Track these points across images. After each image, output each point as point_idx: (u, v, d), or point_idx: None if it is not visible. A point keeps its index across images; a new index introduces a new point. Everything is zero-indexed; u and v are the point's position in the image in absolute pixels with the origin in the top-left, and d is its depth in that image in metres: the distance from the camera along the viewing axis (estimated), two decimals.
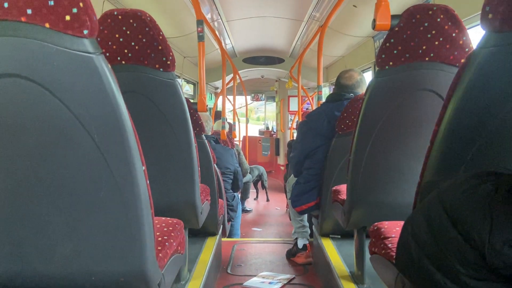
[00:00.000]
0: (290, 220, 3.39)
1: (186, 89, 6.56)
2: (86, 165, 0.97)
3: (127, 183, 0.99)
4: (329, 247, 2.61)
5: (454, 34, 1.49)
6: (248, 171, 5.70)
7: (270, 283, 2.63)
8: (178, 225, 1.51)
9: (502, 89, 0.89)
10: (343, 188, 2.11)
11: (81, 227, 1.02)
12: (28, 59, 0.89)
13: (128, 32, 1.58)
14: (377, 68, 1.61)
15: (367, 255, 1.55)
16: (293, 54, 6.78)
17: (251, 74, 8.16)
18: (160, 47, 1.61)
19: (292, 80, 6.44)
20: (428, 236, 0.74)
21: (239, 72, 6.68)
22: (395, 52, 1.54)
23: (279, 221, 5.59)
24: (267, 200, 6.90)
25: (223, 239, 3.33)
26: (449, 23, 1.48)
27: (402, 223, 0.89)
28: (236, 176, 3.67)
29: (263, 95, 11.05)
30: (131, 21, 1.57)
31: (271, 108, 11.37)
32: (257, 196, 7.09)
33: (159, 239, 1.32)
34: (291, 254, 3.13)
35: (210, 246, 2.73)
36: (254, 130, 11.45)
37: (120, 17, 1.57)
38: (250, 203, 6.66)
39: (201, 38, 2.54)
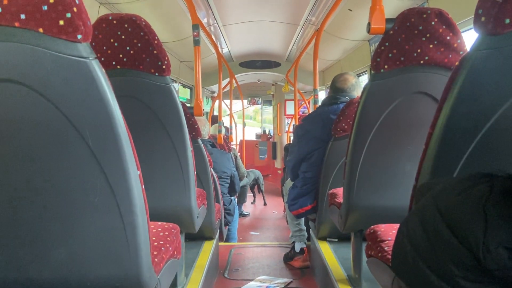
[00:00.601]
0: (287, 223, 3.39)
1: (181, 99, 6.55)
2: (80, 170, 0.97)
3: (121, 188, 0.99)
4: (326, 250, 2.61)
5: (448, 37, 1.50)
6: (245, 175, 5.70)
7: (267, 287, 2.63)
8: (174, 230, 1.50)
9: (496, 92, 0.90)
10: (339, 191, 2.11)
11: (75, 232, 1.02)
12: (22, 64, 0.89)
13: (123, 37, 1.58)
14: (372, 72, 1.62)
15: (364, 258, 1.54)
16: (289, 58, 6.79)
17: (247, 78, 8.17)
18: (155, 52, 1.61)
19: (289, 84, 6.45)
20: (423, 238, 0.74)
21: (236, 76, 6.68)
22: (390, 55, 1.55)
23: (276, 225, 5.58)
24: (264, 204, 6.89)
25: (220, 243, 3.32)
26: (444, 26, 1.49)
27: (398, 226, 0.89)
28: (233, 180, 3.67)
29: (260, 99, 11.06)
30: (126, 25, 1.57)
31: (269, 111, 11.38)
32: (254, 200, 7.08)
33: (155, 243, 1.31)
34: (288, 258, 3.12)
35: (207, 250, 2.72)
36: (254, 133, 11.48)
37: (115, 22, 1.57)
38: (247, 207, 6.65)
39: (197, 42, 2.55)
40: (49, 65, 0.89)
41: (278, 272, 2.95)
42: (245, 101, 9.90)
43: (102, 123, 0.94)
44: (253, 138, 10.77)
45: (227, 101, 7.16)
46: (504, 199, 0.63)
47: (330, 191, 2.30)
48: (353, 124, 1.71)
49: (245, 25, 4.92)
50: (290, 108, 8.68)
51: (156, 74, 1.64)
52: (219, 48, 5.53)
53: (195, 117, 2.54)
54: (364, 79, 4.85)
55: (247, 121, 9.74)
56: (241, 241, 4.41)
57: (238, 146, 9.41)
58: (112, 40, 1.58)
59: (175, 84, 5.49)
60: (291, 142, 5.66)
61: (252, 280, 2.76)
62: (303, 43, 5.45)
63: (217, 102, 6.46)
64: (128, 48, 1.59)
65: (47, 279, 1.04)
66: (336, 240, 2.76)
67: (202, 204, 2.19)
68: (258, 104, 11.31)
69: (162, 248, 1.30)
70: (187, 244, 2.51)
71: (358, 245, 2.02)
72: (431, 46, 1.51)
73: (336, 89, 2.61)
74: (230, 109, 7.14)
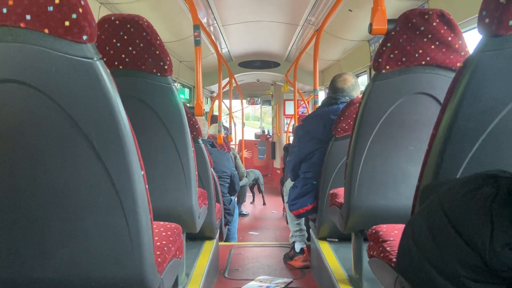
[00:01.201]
0: (287, 223, 3.39)
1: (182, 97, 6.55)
2: (85, 170, 0.97)
3: (126, 188, 0.99)
4: (327, 250, 2.61)
5: (450, 38, 1.50)
6: (245, 175, 5.70)
7: (267, 287, 2.63)
8: (177, 230, 1.50)
9: (499, 93, 0.90)
10: (340, 191, 2.12)
11: (79, 232, 1.02)
12: (27, 64, 0.89)
13: (125, 37, 1.58)
14: (374, 72, 1.62)
15: (365, 259, 1.55)
16: (289, 58, 6.80)
17: (247, 78, 8.17)
18: (157, 52, 1.61)
19: (288, 84, 6.45)
20: (429, 239, 0.74)
21: (235, 76, 6.68)
22: (391, 56, 1.55)
23: (276, 224, 5.58)
24: (264, 204, 6.89)
25: (220, 243, 3.32)
26: (445, 27, 1.49)
27: (400, 226, 0.89)
28: (232, 180, 3.67)
29: (259, 99, 11.05)
30: (128, 26, 1.57)
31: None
32: (253, 200, 7.08)
33: (158, 243, 1.32)
34: (288, 258, 3.13)
35: (207, 250, 2.72)
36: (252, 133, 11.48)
37: (117, 22, 1.57)
38: (246, 207, 6.65)
39: (197, 42, 2.54)
40: (54, 66, 0.89)
41: (278, 272, 2.96)
42: (244, 101, 9.89)
43: (107, 123, 0.94)
44: (253, 138, 10.77)
45: (227, 101, 7.16)
46: (510, 200, 0.63)
47: (331, 191, 2.31)
48: (354, 124, 1.72)
49: (244, 25, 4.93)
50: (290, 108, 8.69)
51: (158, 74, 1.64)
52: (219, 48, 5.53)
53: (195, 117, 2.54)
54: (364, 80, 4.85)
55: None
56: (241, 241, 4.41)
57: (237, 146, 9.41)
58: (114, 41, 1.58)
59: (175, 84, 5.49)
60: (290, 142, 5.66)
61: (252, 280, 2.76)
62: (302, 43, 5.45)
63: (216, 102, 6.46)
64: (130, 48, 1.59)
65: (51, 278, 1.04)
66: (337, 240, 2.77)
67: (203, 204, 2.19)
68: (257, 104, 11.31)
69: (165, 248, 1.31)
70: (187, 244, 2.51)
71: (359, 245, 2.03)
72: (432, 46, 1.52)
73: (336, 89, 2.61)
74: (230, 109, 7.14)
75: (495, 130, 0.91)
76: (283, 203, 4.15)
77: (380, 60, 1.57)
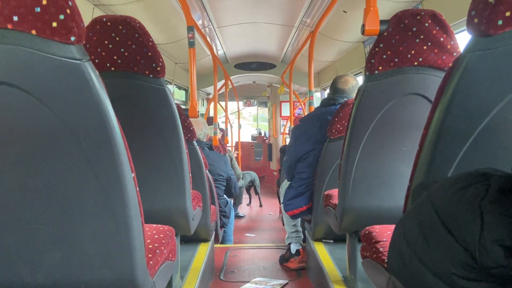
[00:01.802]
0: (283, 225, 3.38)
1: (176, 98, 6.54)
2: (74, 172, 0.96)
3: (116, 190, 0.98)
4: (322, 251, 2.61)
5: (442, 39, 1.50)
6: (241, 177, 5.69)
7: None
8: (169, 232, 1.50)
9: (489, 93, 0.90)
10: (335, 192, 2.12)
11: (69, 235, 1.01)
12: (14, 66, 0.88)
13: (117, 38, 1.57)
14: (367, 73, 1.62)
15: (359, 260, 1.55)
16: (285, 60, 6.80)
17: (243, 80, 8.17)
18: (149, 53, 1.60)
19: (284, 86, 6.45)
20: (420, 237, 0.74)
21: (231, 78, 6.68)
22: (384, 56, 1.55)
23: (272, 226, 5.58)
24: (260, 205, 6.88)
25: (215, 246, 3.31)
26: (437, 28, 1.50)
27: (393, 227, 0.89)
28: (229, 183, 3.66)
29: (255, 101, 11.05)
30: (120, 27, 1.56)
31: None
32: (250, 202, 7.07)
33: (150, 246, 1.31)
34: (284, 260, 3.12)
35: (202, 252, 2.71)
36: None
37: (109, 23, 1.56)
38: (243, 209, 6.64)
39: (191, 44, 2.54)
40: (42, 67, 0.88)
41: (274, 273, 2.95)
42: (241, 103, 9.88)
43: (96, 125, 0.93)
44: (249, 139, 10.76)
45: (223, 103, 7.15)
46: (500, 197, 0.63)
47: (325, 193, 2.30)
48: (348, 125, 1.72)
49: (240, 27, 4.92)
50: (286, 110, 8.68)
51: (151, 76, 1.63)
52: (214, 50, 5.53)
53: (191, 119, 2.53)
54: (359, 81, 4.85)
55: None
56: (237, 243, 4.40)
57: (233, 147, 9.40)
58: (106, 42, 1.58)
59: (170, 86, 5.48)
60: (286, 143, 5.66)
61: (248, 282, 2.75)
62: (298, 44, 5.46)
63: (212, 103, 6.46)
64: (122, 50, 1.58)
65: (41, 282, 1.04)
66: (332, 241, 2.77)
67: (197, 206, 2.18)
68: (253, 105, 11.30)
69: (157, 251, 1.30)
70: (182, 246, 2.51)
71: (353, 246, 2.03)
72: (425, 47, 1.52)
73: (336, 90, 2.61)
74: (226, 110, 7.13)
75: (485, 130, 0.91)
76: (280, 204, 4.14)
77: (373, 61, 1.57)
